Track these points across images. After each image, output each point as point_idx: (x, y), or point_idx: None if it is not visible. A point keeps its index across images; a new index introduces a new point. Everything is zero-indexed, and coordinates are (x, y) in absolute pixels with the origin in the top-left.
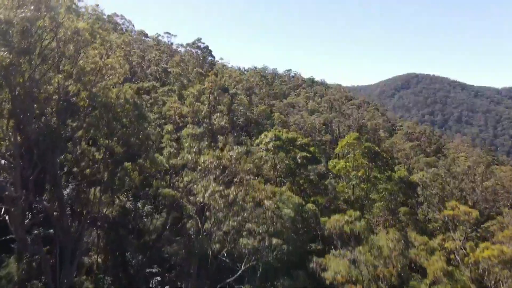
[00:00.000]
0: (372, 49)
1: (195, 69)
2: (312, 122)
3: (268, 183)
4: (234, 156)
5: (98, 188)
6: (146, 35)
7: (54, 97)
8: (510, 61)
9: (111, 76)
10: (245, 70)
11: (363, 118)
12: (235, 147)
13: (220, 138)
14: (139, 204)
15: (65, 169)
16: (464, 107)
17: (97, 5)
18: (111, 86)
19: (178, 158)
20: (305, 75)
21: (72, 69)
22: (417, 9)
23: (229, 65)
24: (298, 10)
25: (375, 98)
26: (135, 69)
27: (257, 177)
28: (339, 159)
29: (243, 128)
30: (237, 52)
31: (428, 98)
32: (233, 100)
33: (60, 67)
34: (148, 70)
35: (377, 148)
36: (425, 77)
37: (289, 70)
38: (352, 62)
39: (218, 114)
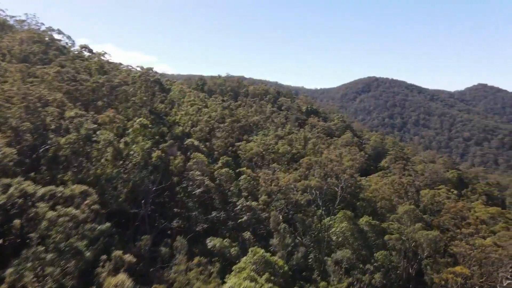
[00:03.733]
0: (335, 52)
1: (137, 120)
2: (288, 180)
3: None
4: None
5: None
6: (90, 51)
7: None
8: (461, 65)
9: None
10: (207, 97)
11: (339, 157)
12: None
13: None
14: None
15: None
16: (421, 110)
17: (34, 15)
18: None
19: None
20: (271, 78)
21: None
22: (375, 16)
23: (187, 89)
24: (263, 16)
25: (338, 101)
26: (50, 127)
27: None
28: None
29: (199, 205)
30: (199, 59)
31: (387, 101)
32: (188, 155)
33: None
34: (64, 140)
35: None
36: (385, 80)
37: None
38: (315, 65)
39: None
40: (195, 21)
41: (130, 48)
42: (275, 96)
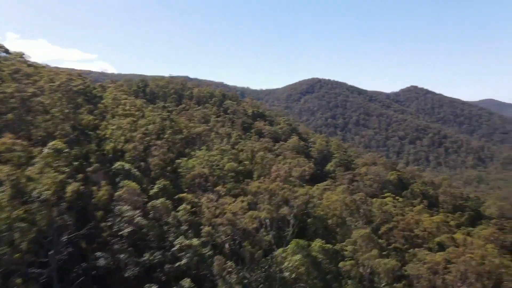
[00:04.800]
0: (279, 52)
1: (49, 145)
2: (235, 210)
3: None
4: None
5: None
6: (6, 51)
7: None
8: (396, 67)
9: None
10: (145, 105)
11: (289, 170)
12: None
13: None
14: None
15: None
16: (361, 110)
17: None
18: None
19: None
20: (216, 78)
21: None
22: (317, 19)
23: (123, 95)
24: (207, 15)
25: (283, 102)
26: None
27: None
28: None
29: (128, 245)
30: (142, 57)
31: (330, 102)
32: (118, 181)
33: None
34: None
35: None
36: (327, 82)
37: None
38: (261, 65)
39: None
40: (139, 18)
41: (68, 45)
42: (221, 99)
